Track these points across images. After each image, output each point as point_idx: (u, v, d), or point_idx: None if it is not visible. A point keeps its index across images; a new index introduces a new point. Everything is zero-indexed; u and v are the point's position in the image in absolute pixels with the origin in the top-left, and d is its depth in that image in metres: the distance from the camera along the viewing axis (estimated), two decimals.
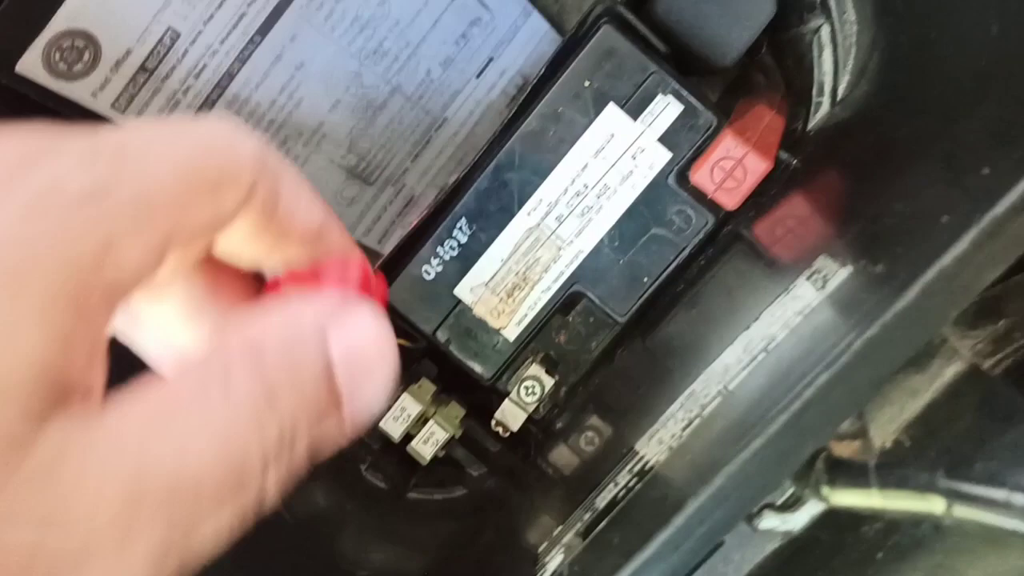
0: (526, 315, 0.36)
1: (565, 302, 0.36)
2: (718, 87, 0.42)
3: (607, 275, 0.36)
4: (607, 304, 0.36)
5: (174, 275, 0.18)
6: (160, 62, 0.35)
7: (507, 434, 0.37)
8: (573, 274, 0.36)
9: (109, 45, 0.33)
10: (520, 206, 0.36)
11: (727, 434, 0.20)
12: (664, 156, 0.35)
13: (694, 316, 0.35)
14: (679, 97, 0.35)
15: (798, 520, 0.20)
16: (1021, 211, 0.18)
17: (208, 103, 0.37)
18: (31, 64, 0.32)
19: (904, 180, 0.25)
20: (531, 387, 0.36)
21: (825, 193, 0.32)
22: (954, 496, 0.17)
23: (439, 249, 0.36)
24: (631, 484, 0.23)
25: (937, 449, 0.20)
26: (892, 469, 0.18)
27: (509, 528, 0.35)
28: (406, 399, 0.38)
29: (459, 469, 0.40)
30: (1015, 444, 0.18)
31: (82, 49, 0.32)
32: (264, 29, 0.36)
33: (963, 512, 0.17)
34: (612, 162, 0.35)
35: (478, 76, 0.44)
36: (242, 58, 0.36)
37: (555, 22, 0.45)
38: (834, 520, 0.19)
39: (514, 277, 0.36)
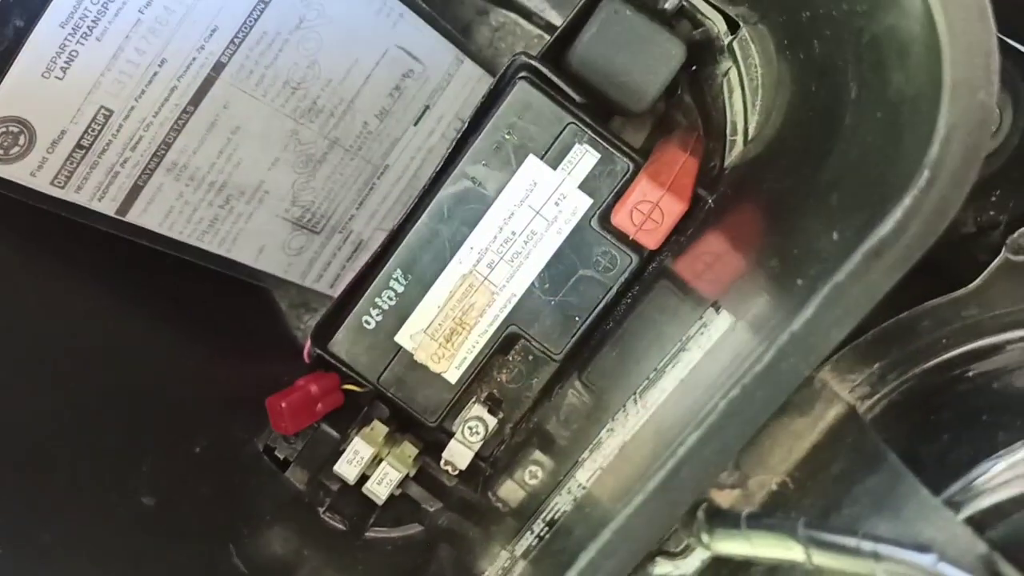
0: (465, 358, 0.38)
1: (503, 343, 0.38)
2: (647, 125, 0.44)
3: (541, 316, 0.37)
4: (543, 343, 0.38)
5: None
6: (96, 139, 0.36)
7: (456, 472, 0.39)
8: (508, 316, 0.37)
9: (43, 127, 0.34)
10: (452, 255, 0.37)
11: (620, 486, 0.22)
12: (585, 202, 0.36)
13: (621, 352, 0.37)
14: (595, 146, 0.36)
15: (689, 565, 0.21)
16: (861, 277, 0.19)
17: (147, 171, 0.38)
18: None
19: (786, 232, 0.27)
20: (475, 427, 0.38)
21: (736, 231, 0.34)
22: (811, 543, 0.18)
23: (377, 300, 0.38)
24: (543, 533, 0.25)
25: (815, 493, 0.21)
26: (760, 518, 0.20)
27: (461, 558, 0.37)
28: (358, 443, 0.40)
29: (415, 505, 0.42)
30: (874, 491, 0.19)
31: (16, 134, 0.34)
32: (196, 99, 0.38)
33: (820, 559, 0.18)
34: (536, 209, 0.37)
35: (416, 124, 0.45)
36: (177, 127, 0.38)
37: (489, 67, 0.47)
38: (723, 565, 0.21)
39: (451, 323, 0.38)
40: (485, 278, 0.37)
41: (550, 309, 0.37)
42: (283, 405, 0.38)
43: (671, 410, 0.23)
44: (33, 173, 0.35)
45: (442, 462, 0.39)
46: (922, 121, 0.20)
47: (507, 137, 0.36)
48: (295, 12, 0.39)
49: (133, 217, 0.39)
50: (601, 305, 0.37)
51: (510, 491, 0.38)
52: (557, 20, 0.47)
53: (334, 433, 0.41)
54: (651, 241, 0.36)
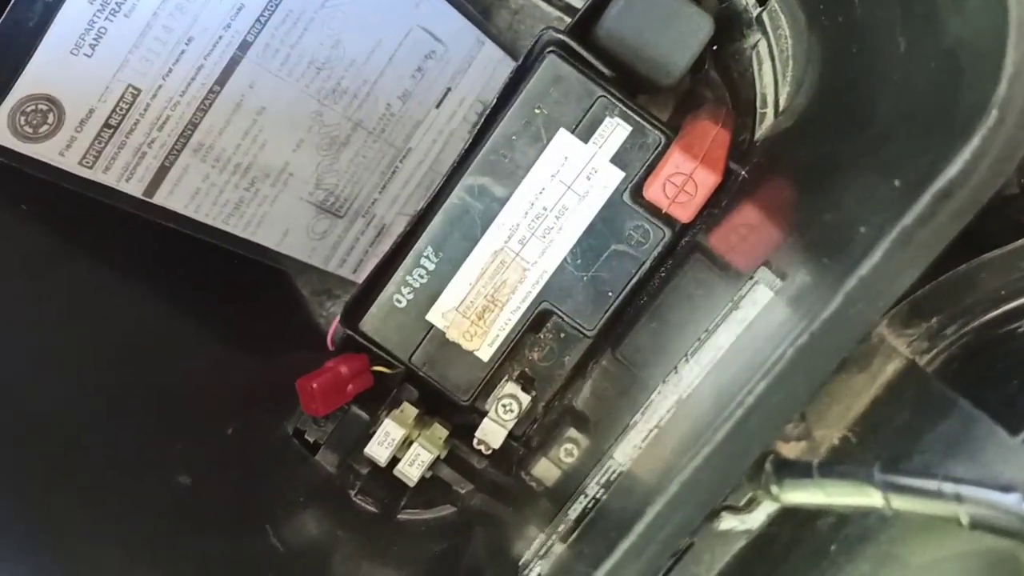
0: (498, 335, 0.38)
1: (535, 320, 0.37)
2: (670, 103, 0.43)
3: (573, 292, 0.37)
4: (576, 320, 0.37)
5: None
6: (123, 118, 0.36)
7: (489, 452, 0.39)
8: (540, 293, 0.37)
9: (72, 106, 0.34)
10: (483, 232, 0.37)
11: (681, 442, 0.22)
12: (617, 175, 0.36)
13: (658, 326, 0.36)
14: (626, 118, 0.36)
15: (756, 519, 0.21)
16: (929, 220, 0.19)
17: (174, 152, 0.38)
18: None
19: (834, 190, 0.26)
20: (508, 405, 0.38)
21: (771, 201, 0.34)
22: (890, 488, 0.18)
23: (408, 278, 0.37)
24: (599, 495, 0.25)
25: (879, 445, 0.21)
26: (833, 466, 0.19)
27: (496, 542, 0.37)
28: (389, 424, 0.40)
29: (447, 487, 0.41)
30: (946, 437, 0.19)
31: (46, 112, 0.33)
32: (222, 79, 0.37)
33: (900, 503, 0.18)
34: (568, 184, 0.36)
35: (437, 106, 0.45)
36: (203, 108, 0.38)
37: (509, 49, 0.47)
38: (790, 517, 0.21)
39: (483, 300, 0.37)
40: (517, 254, 0.37)
41: (582, 285, 0.37)
42: (314, 386, 0.38)
43: (730, 367, 0.23)
44: (62, 152, 0.35)
45: (475, 442, 0.39)
46: (985, 63, 0.19)
47: (537, 112, 0.36)
48: None
49: (160, 199, 0.38)
50: (634, 280, 0.37)
51: (545, 470, 0.38)
52: (577, 2, 0.47)
53: (364, 415, 0.41)
54: (684, 214, 0.36)
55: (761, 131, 0.37)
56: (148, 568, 0.28)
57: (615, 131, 0.36)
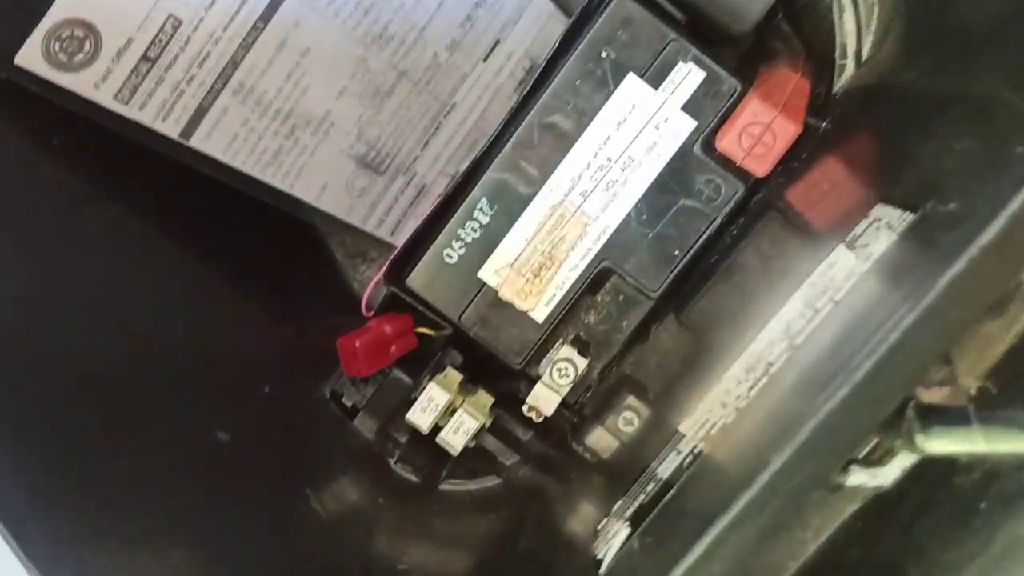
0: (554, 295, 0.35)
1: (594, 280, 0.35)
2: (733, 58, 0.41)
3: (636, 250, 0.35)
4: (638, 280, 0.35)
5: None
6: (162, 51, 0.33)
7: (540, 419, 0.36)
8: (601, 250, 0.35)
9: (110, 34, 0.32)
10: (542, 183, 0.35)
11: (804, 388, 0.19)
12: (688, 124, 0.34)
13: (730, 287, 0.34)
14: (700, 64, 0.34)
15: (887, 474, 0.19)
16: None
17: (213, 91, 0.35)
18: (30, 55, 0.30)
19: (950, 128, 0.24)
20: (564, 369, 0.35)
21: (860, 153, 0.32)
22: None
23: (460, 231, 0.35)
24: (696, 450, 0.22)
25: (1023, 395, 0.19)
26: (993, 411, 0.17)
27: (552, 518, 0.34)
28: (433, 389, 0.37)
29: (491, 458, 0.39)
30: None
31: (82, 39, 0.31)
32: (267, 15, 0.35)
33: None
34: (635, 133, 0.34)
35: (485, 59, 0.43)
36: (246, 45, 0.35)
37: (560, 2, 0.44)
38: (926, 472, 0.18)
39: (540, 256, 0.35)
40: (577, 208, 0.35)
41: (647, 243, 0.35)
42: (357, 344, 0.36)
43: (849, 312, 0.20)
44: (97, 85, 0.32)
45: (525, 408, 0.37)
46: None
47: (604, 55, 0.34)
48: None
49: (197, 142, 0.36)
50: (703, 238, 0.34)
51: (600, 440, 0.36)
52: None
53: (406, 378, 0.38)
54: (760, 167, 0.33)
55: (840, 84, 0.35)
56: (190, 524, 0.26)
57: (688, 77, 0.34)
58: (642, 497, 0.23)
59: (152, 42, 0.33)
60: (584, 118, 0.34)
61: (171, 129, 0.35)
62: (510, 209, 0.35)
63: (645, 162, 0.34)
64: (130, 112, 0.34)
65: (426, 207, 0.40)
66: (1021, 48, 0.21)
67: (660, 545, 0.20)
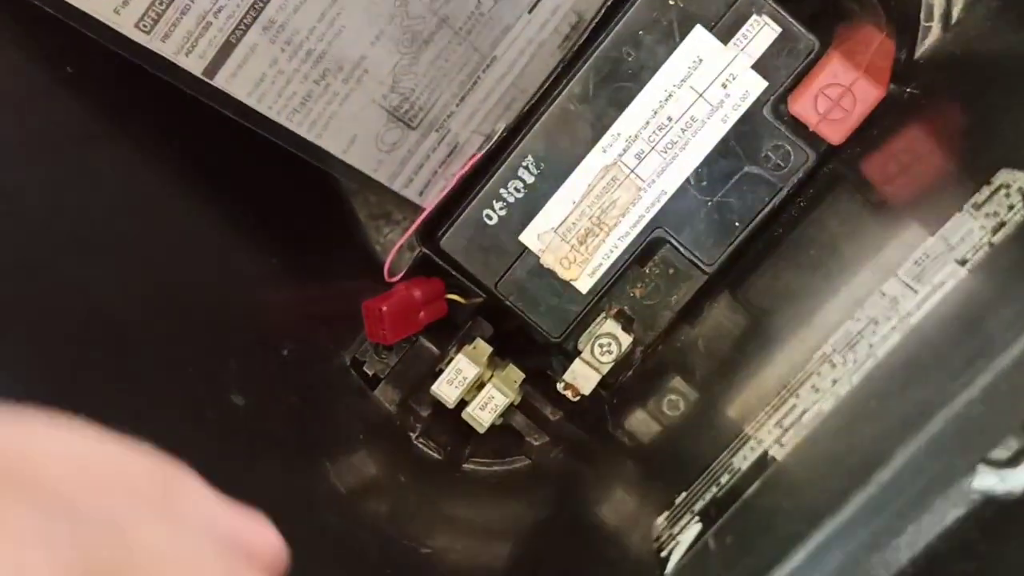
0: (600, 264, 0.33)
1: (644, 250, 0.32)
2: (805, 16, 0.38)
3: (693, 219, 0.32)
4: (693, 252, 0.32)
5: None
6: None
7: (576, 398, 0.34)
8: (655, 218, 0.32)
9: None
10: (595, 142, 0.32)
11: (929, 373, 0.17)
12: (759, 84, 0.31)
13: (794, 265, 0.31)
14: (776, 18, 0.31)
15: (1019, 479, 0.16)
16: None
17: (242, 26, 0.33)
18: None
19: None
20: (607, 345, 0.33)
21: (951, 124, 0.29)
22: None
23: (503, 190, 0.32)
24: (782, 439, 0.20)
25: None
26: None
27: (587, 506, 0.32)
28: (462, 361, 0.35)
29: (518, 438, 0.37)
30: None
31: None
32: None
33: None
34: (700, 92, 0.31)
35: (530, 11, 0.40)
36: None
37: None
38: None
39: (587, 222, 0.32)
40: (631, 171, 0.32)
41: (705, 211, 0.32)
42: (383, 309, 0.33)
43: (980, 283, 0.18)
44: (117, 10, 0.30)
45: (561, 386, 0.34)
46: None
47: (672, 2, 0.31)
48: None
49: (221, 81, 0.33)
50: (767, 209, 0.32)
51: (641, 423, 0.33)
52: None
53: (434, 348, 0.36)
54: (836, 134, 0.31)
55: (924, 48, 0.32)
56: (203, 474, 0.24)
57: (761, 32, 0.31)
58: (714, 490, 0.21)
59: None
60: (645, 72, 0.31)
61: (194, 65, 0.32)
62: (558, 169, 0.32)
63: (708, 124, 0.31)
64: (151, 43, 0.31)
65: (457, 168, 0.37)
66: None
67: (747, 547, 0.18)
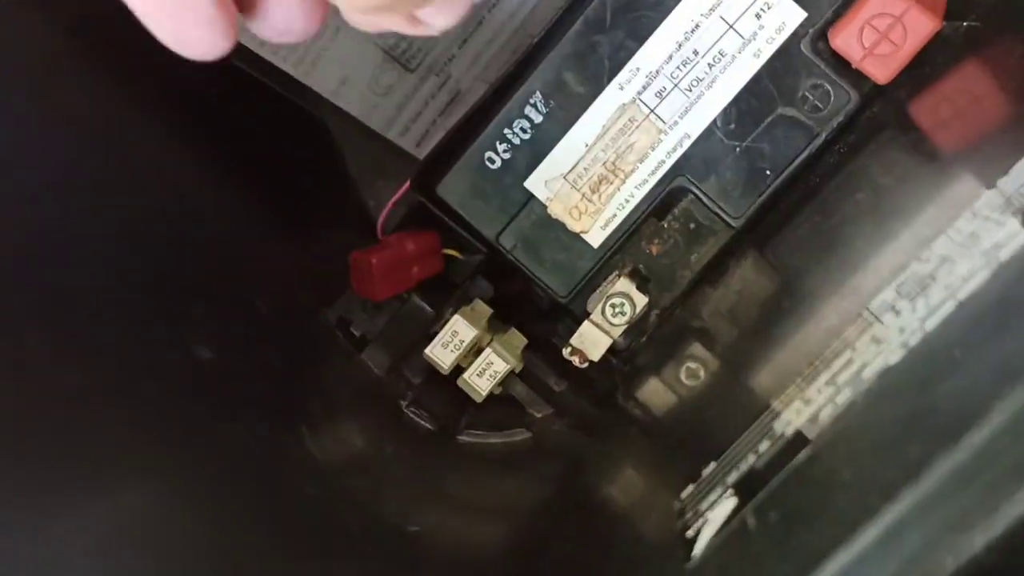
0: (614, 215, 0.29)
1: (664, 199, 0.29)
2: None
3: (719, 167, 0.29)
4: (718, 203, 0.29)
5: None
6: None
7: (584, 364, 0.31)
8: (676, 164, 0.29)
9: None
10: (611, 77, 0.28)
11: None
12: (797, 15, 0.28)
13: (832, 220, 0.28)
14: None
15: None
16: None
17: None
18: None
19: None
20: (620, 306, 0.29)
21: (1014, 61, 0.25)
22: None
23: (507, 131, 0.29)
24: (838, 398, 0.16)
25: None
26: None
27: (594, 483, 0.29)
28: (459, 323, 0.32)
29: (519, 409, 0.33)
30: None
31: None
32: None
33: None
34: (730, 22, 0.28)
35: None
36: None
37: None
38: None
39: (601, 168, 0.29)
40: (651, 111, 0.28)
41: (733, 158, 0.29)
42: (373, 261, 0.30)
43: None
44: None
45: (566, 352, 0.31)
46: None
47: None
48: None
49: None
50: (803, 156, 0.28)
51: (655, 394, 0.30)
52: None
53: (427, 307, 0.32)
54: (883, 71, 0.27)
55: None
56: (157, 458, 0.21)
57: None
58: (752, 459, 0.17)
59: None
60: (668, 0, 0.28)
61: None
62: (569, 107, 0.29)
63: (739, 59, 0.28)
64: None
65: (458, 117, 0.34)
66: None
67: (799, 524, 0.15)
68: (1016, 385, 0.12)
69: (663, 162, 0.29)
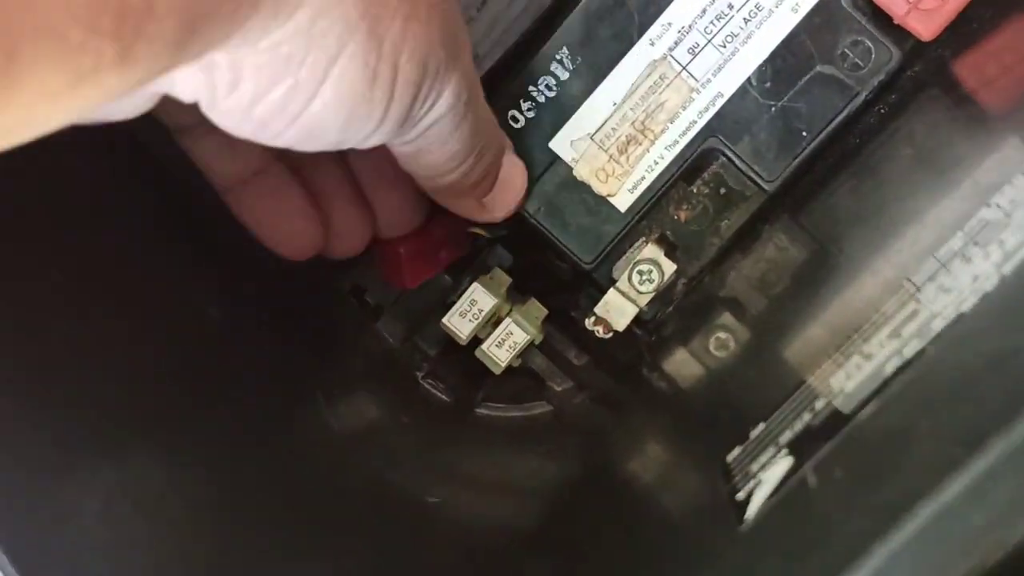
0: (643, 178, 0.28)
1: (695, 162, 0.28)
2: None
3: (753, 127, 0.27)
4: (752, 166, 0.28)
5: None
6: None
7: (608, 335, 0.29)
8: (708, 124, 0.27)
9: None
10: (641, 33, 0.27)
11: None
12: None
13: (861, 184, 0.27)
14: None
15: None
16: None
17: None
18: None
19: None
20: (647, 273, 0.28)
21: None
22: None
23: (532, 89, 0.28)
24: (906, 350, 0.15)
25: None
26: None
27: (607, 454, 0.27)
28: (478, 291, 0.30)
29: (538, 382, 0.32)
30: None
31: None
32: None
33: None
34: None
35: None
36: None
37: None
38: None
39: (629, 128, 0.28)
40: (683, 68, 0.27)
41: (768, 118, 0.27)
42: (401, 251, 0.28)
43: None
44: None
45: (590, 321, 0.29)
46: None
47: None
48: None
49: None
50: (841, 116, 0.27)
51: (683, 365, 0.29)
52: None
53: (446, 276, 0.31)
54: (927, 27, 0.26)
55: None
56: (164, 420, 0.20)
57: None
58: (807, 417, 0.16)
59: None
60: None
61: None
62: (596, 64, 0.27)
63: (776, 14, 0.27)
64: None
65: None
66: None
67: (869, 480, 0.13)
68: None
69: (694, 122, 0.28)
